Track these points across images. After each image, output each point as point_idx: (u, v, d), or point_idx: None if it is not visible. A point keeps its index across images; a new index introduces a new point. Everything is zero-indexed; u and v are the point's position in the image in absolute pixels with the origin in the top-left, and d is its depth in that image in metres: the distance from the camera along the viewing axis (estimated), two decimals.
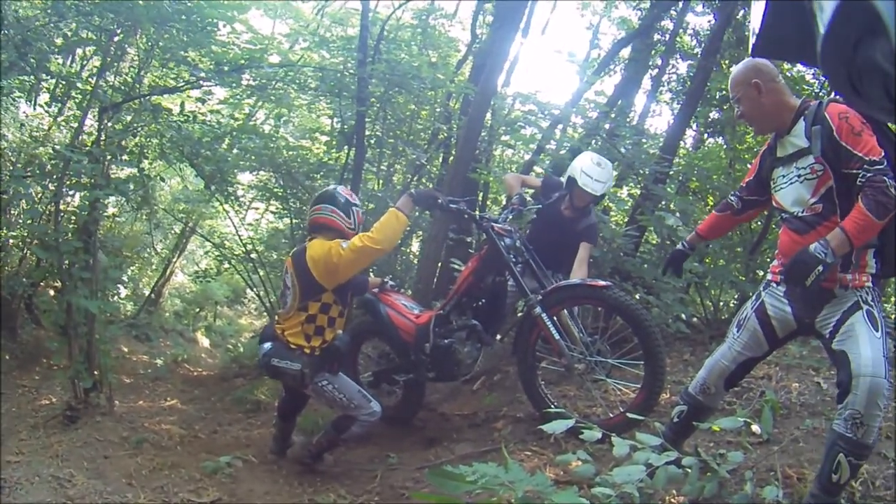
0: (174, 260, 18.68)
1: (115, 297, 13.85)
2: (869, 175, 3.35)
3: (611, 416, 5.37)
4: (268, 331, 6.01)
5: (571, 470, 3.67)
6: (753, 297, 3.98)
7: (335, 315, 5.69)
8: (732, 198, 4.39)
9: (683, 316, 7.02)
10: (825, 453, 3.35)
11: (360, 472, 5.83)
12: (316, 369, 5.59)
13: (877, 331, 3.44)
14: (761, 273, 7.53)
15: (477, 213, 6.47)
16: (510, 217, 6.18)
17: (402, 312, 6.34)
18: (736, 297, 8.01)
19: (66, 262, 7.23)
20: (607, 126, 9.20)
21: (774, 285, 3.83)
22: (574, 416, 4.79)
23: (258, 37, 10.62)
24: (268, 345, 5.76)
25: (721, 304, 8.14)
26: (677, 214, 7.63)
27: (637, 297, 6.85)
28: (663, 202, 8.07)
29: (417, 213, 9.58)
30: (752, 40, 1.40)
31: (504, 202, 7.45)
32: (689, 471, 3.22)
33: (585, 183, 6.32)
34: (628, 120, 10.52)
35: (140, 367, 12.28)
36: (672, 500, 3.54)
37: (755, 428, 3.70)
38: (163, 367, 12.33)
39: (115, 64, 9.46)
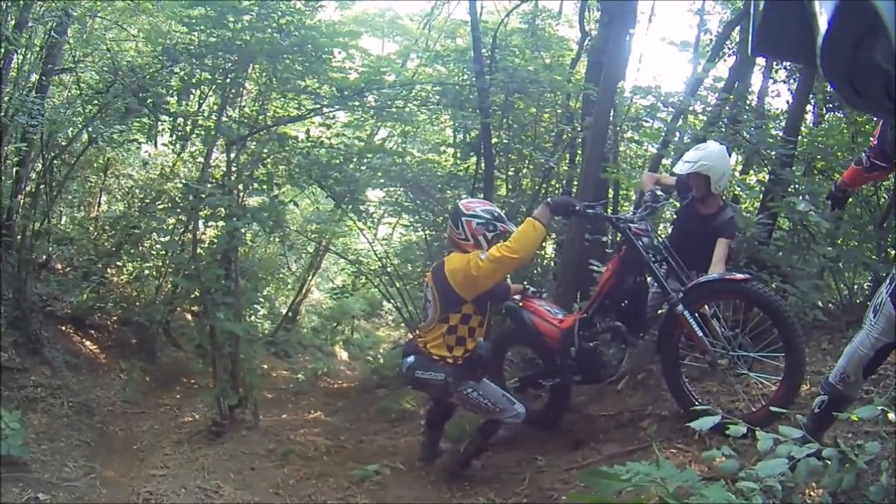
0: (309, 278, 19.22)
1: (253, 317, 14.33)
2: None
3: (753, 410, 5.34)
4: (410, 345, 6.17)
5: (716, 466, 3.69)
6: (887, 281, 3.79)
7: (475, 325, 5.78)
8: (863, 155, 4.28)
9: (820, 303, 6.85)
10: None
11: (509, 475, 5.89)
12: (459, 378, 5.69)
13: None
14: (894, 253, 7.35)
15: (612, 214, 6.46)
16: (645, 215, 6.17)
17: (545, 318, 6.35)
18: (870, 278, 7.82)
19: (208, 288, 7.59)
20: (727, 108, 9.08)
21: None
22: (719, 412, 4.84)
23: (372, 59, 10.86)
24: (411, 358, 5.89)
25: (855, 287, 7.93)
26: (807, 197, 7.51)
27: (773, 285, 6.71)
28: (792, 186, 7.93)
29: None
30: (750, 39, 1.43)
31: (636, 200, 7.43)
32: (829, 463, 3.17)
33: (676, 168, 6.37)
34: (748, 103, 10.33)
35: (281, 382, 12.68)
36: (812, 492, 3.52)
37: (891, 416, 3.64)
38: (304, 382, 12.73)
39: (235, 99, 9.85)
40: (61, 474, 6.11)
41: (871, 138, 4.29)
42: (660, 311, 6.38)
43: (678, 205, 7.04)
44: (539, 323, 6.34)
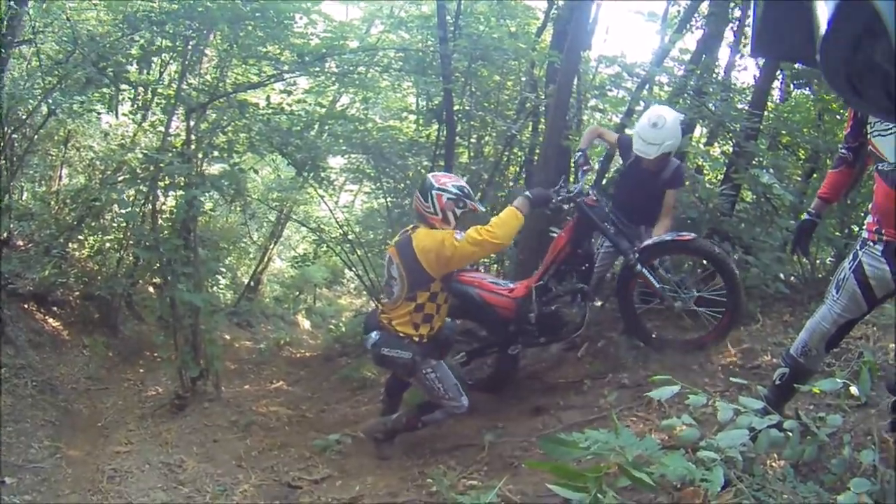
0: (271, 247, 19.09)
1: (215, 288, 14.26)
2: None
3: (703, 334, 6.23)
4: (372, 320, 6.07)
5: (676, 435, 3.69)
6: (850, 257, 3.79)
7: (442, 302, 5.78)
8: (843, 151, 4.19)
9: (782, 276, 6.99)
10: None
11: (469, 443, 5.88)
12: (425, 356, 5.69)
13: None
14: (856, 228, 7.36)
15: (568, 190, 6.51)
16: (582, 179, 6.49)
17: (493, 290, 6.41)
18: (832, 254, 7.87)
19: (168, 259, 7.51)
20: (692, 82, 9.06)
21: (871, 244, 3.61)
22: (678, 383, 4.97)
23: (335, 25, 10.74)
24: (375, 334, 5.82)
25: (818, 261, 7.99)
26: (771, 171, 7.56)
27: (735, 257, 6.85)
28: (756, 159, 7.95)
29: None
30: (750, 39, 1.41)
31: (574, 160, 7.56)
32: (790, 434, 3.20)
33: (639, 149, 6.36)
34: (714, 76, 10.32)
35: (243, 352, 12.69)
36: (773, 464, 3.53)
37: (853, 390, 3.63)
38: (266, 352, 12.77)
39: (195, 66, 9.72)
40: (27, 456, 6.09)
41: (846, 124, 4.20)
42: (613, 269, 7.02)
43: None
44: (488, 296, 6.39)
